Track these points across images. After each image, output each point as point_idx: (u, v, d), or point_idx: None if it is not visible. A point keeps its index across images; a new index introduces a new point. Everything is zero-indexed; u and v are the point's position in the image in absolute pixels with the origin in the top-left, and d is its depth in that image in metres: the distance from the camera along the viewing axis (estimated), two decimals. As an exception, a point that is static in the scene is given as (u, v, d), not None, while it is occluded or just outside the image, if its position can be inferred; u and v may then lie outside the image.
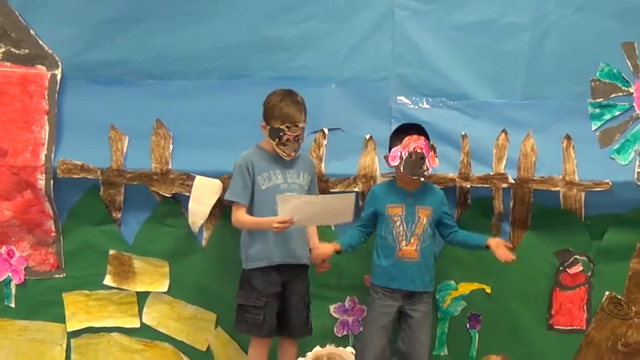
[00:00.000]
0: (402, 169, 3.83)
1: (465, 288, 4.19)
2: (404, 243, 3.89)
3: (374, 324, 3.93)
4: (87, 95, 4.15)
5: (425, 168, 3.83)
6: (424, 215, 3.92)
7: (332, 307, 4.19)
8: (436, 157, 3.91)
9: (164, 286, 4.19)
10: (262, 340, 3.82)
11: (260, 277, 3.78)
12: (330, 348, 3.08)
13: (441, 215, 3.96)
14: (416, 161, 3.81)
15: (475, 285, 4.19)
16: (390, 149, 3.91)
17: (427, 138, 3.91)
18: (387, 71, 4.15)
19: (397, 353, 3.98)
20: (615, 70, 4.13)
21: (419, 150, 3.81)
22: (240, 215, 3.80)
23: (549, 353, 4.19)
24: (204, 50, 4.12)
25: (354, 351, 3.07)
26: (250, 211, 3.81)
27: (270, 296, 3.78)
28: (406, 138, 3.83)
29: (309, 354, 3.06)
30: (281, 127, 3.74)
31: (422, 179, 3.91)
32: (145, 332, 4.21)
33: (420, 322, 3.93)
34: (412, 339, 3.94)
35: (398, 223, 3.90)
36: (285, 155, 3.79)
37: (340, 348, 3.11)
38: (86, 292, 4.20)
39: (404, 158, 3.81)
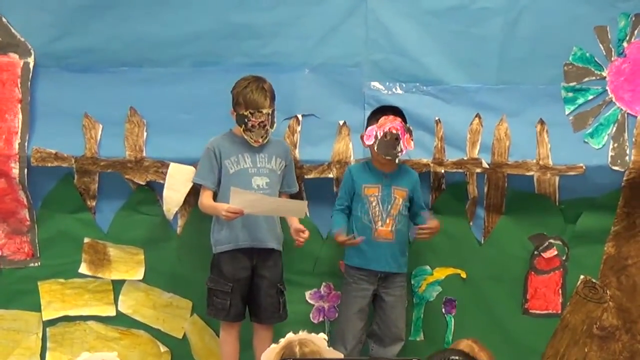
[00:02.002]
0: (376, 148, 3.84)
1: (441, 273, 4.20)
2: (379, 224, 3.90)
3: (351, 308, 3.94)
4: (60, 83, 4.12)
5: (399, 149, 3.84)
6: (400, 196, 3.93)
7: (307, 294, 4.19)
8: (412, 140, 3.92)
9: (139, 274, 4.18)
10: (231, 324, 3.84)
11: (229, 261, 3.79)
12: (302, 334, 3.09)
13: (413, 199, 3.96)
14: (390, 141, 3.82)
15: (451, 270, 4.19)
16: (366, 129, 3.92)
17: (405, 121, 3.93)
18: (360, 57, 4.14)
19: (373, 336, 3.99)
20: (588, 54, 4.14)
21: (394, 131, 3.82)
22: (203, 198, 3.84)
23: (525, 337, 4.20)
24: (176, 37, 4.10)
25: (326, 337, 3.08)
26: (218, 195, 3.81)
27: (238, 281, 3.78)
28: (382, 118, 3.86)
29: (282, 340, 3.07)
30: (245, 113, 3.76)
31: (397, 160, 3.92)
32: (121, 320, 4.20)
33: (395, 305, 3.95)
34: (387, 322, 3.95)
35: (374, 203, 3.91)
36: (252, 141, 3.80)
37: (313, 334, 3.12)
38: (61, 280, 4.18)
39: (379, 137, 3.83)
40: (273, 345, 3.12)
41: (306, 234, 3.83)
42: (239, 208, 3.64)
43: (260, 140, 3.82)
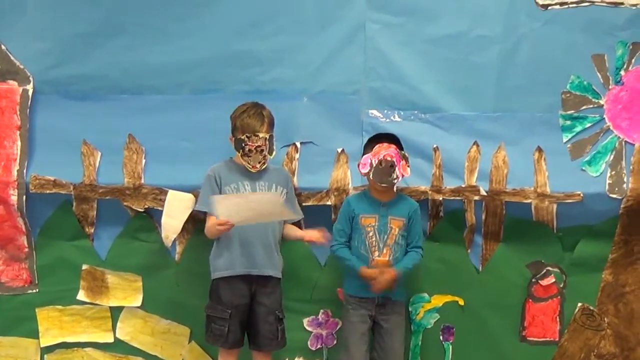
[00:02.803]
0: (371, 176, 3.85)
1: (438, 300, 4.20)
2: (376, 254, 3.91)
3: (353, 333, 3.94)
4: (59, 110, 4.14)
5: (395, 176, 3.85)
6: (396, 226, 3.93)
7: (305, 321, 4.19)
8: (408, 166, 3.93)
9: (137, 301, 4.18)
10: (229, 351, 3.84)
11: (227, 288, 3.80)
12: None
13: (409, 228, 3.97)
14: (385, 169, 3.83)
15: (448, 298, 4.19)
16: (362, 157, 3.94)
17: (401, 148, 3.94)
18: (359, 84, 4.16)
19: None
20: (585, 83, 4.15)
21: (388, 158, 3.83)
22: (208, 224, 3.84)
23: (523, 364, 4.21)
24: (175, 64, 4.12)
25: None
26: None
27: (236, 307, 3.79)
28: (377, 146, 3.87)
29: None
30: (242, 137, 3.79)
31: (395, 189, 3.92)
32: (119, 347, 4.20)
33: (393, 332, 3.95)
34: (385, 349, 3.95)
35: (371, 234, 3.91)
36: (250, 166, 3.82)
37: None
38: (60, 307, 4.19)
39: (374, 165, 3.84)
40: None
41: (319, 233, 3.84)
42: (225, 219, 3.64)
43: (258, 165, 3.83)
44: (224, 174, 3.87)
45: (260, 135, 3.79)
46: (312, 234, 3.87)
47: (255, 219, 3.72)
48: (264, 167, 3.85)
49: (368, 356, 3.96)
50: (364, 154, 3.96)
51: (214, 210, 3.66)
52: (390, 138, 3.97)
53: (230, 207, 3.64)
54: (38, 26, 4.12)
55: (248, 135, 3.79)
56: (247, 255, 3.80)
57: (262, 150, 3.81)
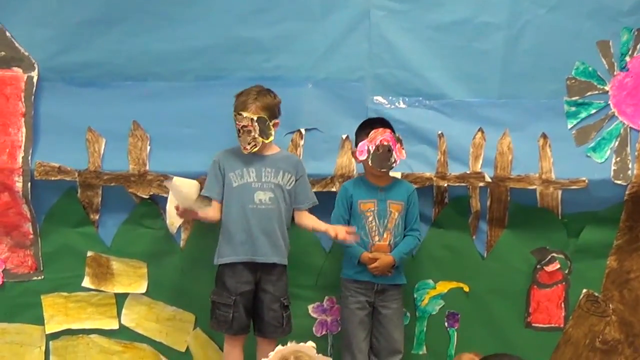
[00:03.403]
0: (370, 162, 3.85)
1: (443, 287, 4.21)
2: (377, 238, 3.91)
3: (352, 320, 3.94)
4: (63, 97, 4.13)
5: (393, 160, 3.85)
6: (395, 209, 3.93)
7: (310, 307, 4.20)
8: (403, 149, 3.93)
9: (142, 287, 4.18)
10: (234, 338, 3.84)
11: (231, 274, 3.81)
12: (292, 346, 3.09)
13: (407, 211, 3.97)
14: (384, 154, 3.83)
15: (453, 284, 4.20)
16: (356, 144, 3.93)
17: (393, 131, 3.93)
18: (364, 71, 4.16)
19: (371, 349, 3.99)
20: (590, 69, 4.15)
21: (385, 143, 3.83)
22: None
23: (528, 351, 4.15)
24: (179, 51, 4.11)
25: (314, 345, 3.09)
26: (223, 207, 3.85)
27: (240, 294, 3.79)
28: (372, 132, 3.86)
29: (271, 354, 3.06)
30: (233, 115, 3.80)
31: (398, 173, 3.93)
32: (124, 334, 4.21)
33: (392, 319, 3.96)
34: (384, 335, 3.96)
35: (370, 218, 3.91)
36: (242, 148, 3.81)
37: (302, 344, 3.12)
38: (65, 294, 4.19)
39: (372, 152, 3.83)
40: None
41: (347, 230, 3.78)
42: (176, 205, 3.72)
43: (248, 147, 3.80)
44: (229, 160, 3.87)
45: (245, 114, 3.76)
46: (339, 230, 3.78)
47: (183, 202, 3.75)
48: (254, 149, 3.81)
49: (368, 343, 3.97)
50: (357, 141, 3.94)
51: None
52: (382, 122, 3.96)
53: (174, 191, 3.73)
54: (42, 13, 4.10)
55: (235, 113, 3.80)
56: (251, 243, 3.80)
57: (249, 132, 3.77)
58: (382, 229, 3.90)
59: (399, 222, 3.93)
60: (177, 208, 3.75)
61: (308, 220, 3.93)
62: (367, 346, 3.96)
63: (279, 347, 3.03)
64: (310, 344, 3.07)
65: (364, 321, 3.94)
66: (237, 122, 3.79)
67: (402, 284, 4.01)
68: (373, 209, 3.91)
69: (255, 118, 3.77)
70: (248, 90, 3.85)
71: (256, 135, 3.79)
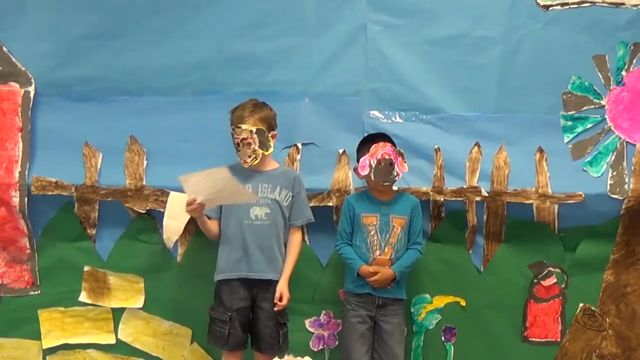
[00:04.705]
0: (372, 177, 3.85)
1: (440, 301, 4.20)
2: (378, 252, 3.91)
3: (353, 334, 3.93)
4: (60, 111, 4.13)
5: (395, 174, 3.85)
6: (398, 224, 3.93)
7: (307, 322, 4.19)
8: (405, 162, 3.93)
9: (139, 302, 4.19)
10: (231, 353, 3.84)
11: (228, 291, 3.81)
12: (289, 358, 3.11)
13: (410, 224, 3.97)
14: (385, 168, 3.83)
15: (450, 299, 4.20)
16: (358, 160, 3.93)
17: (394, 145, 3.94)
18: (360, 85, 4.15)
19: None
20: (586, 83, 4.15)
21: (387, 157, 3.83)
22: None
23: (525, 365, 4.21)
24: (176, 66, 4.12)
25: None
26: (221, 224, 3.86)
27: (236, 310, 3.79)
28: (373, 146, 3.86)
29: None
30: (231, 130, 3.80)
31: (395, 187, 3.92)
32: (121, 349, 4.21)
33: (393, 334, 3.94)
34: (385, 350, 3.95)
35: (372, 232, 3.91)
36: (241, 162, 3.81)
37: (299, 358, 3.13)
38: (61, 309, 4.19)
39: (373, 166, 3.83)
40: None
41: (284, 301, 3.79)
42: (192, 198, 3.64)
43: (249, 160, 3.80)
44: None
45: (244, 127, 3.76)
46: (284, 292, 3.79)
47: (220, 198, 3.71)
48: (255, 162, 3.81)
49: (369, 357, 3.96)
50: (359, 157, 3.95)
51: (186, 194, 3.66)
52: (383, 137, 3.97)
53: (195, 185, 3.63)
54: (39, 28, 4.11)
55: (233, 127, 3.79)
56: (247, 259, 3.80)
57: (249, 144, 3.78)
58: (384, 244, 3.90)
59: (402, 237, 3.92)
60: (190, 203, 3.66)
61: (291, 247, 3.90)
62: None
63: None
64: (307, 359, 3.09)
65: (365, 335, 3.93)
66: (235, 136, 3.79)
67: (403, 299, 4.01)
68: (375, 223, 3.91)
69: (254, 130, 3.77)
70: (243, 104, 3.85)
71: (256, 148, 3.79)
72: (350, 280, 3.97)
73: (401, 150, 3.95)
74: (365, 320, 3.93)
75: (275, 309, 3.79)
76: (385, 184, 3.88)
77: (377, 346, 3.97)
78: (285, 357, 3.19)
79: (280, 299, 3.79)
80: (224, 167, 3.65)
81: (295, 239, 3.92)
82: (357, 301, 3.94)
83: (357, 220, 3.94)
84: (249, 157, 3.80)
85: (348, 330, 3.97)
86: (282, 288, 3.81)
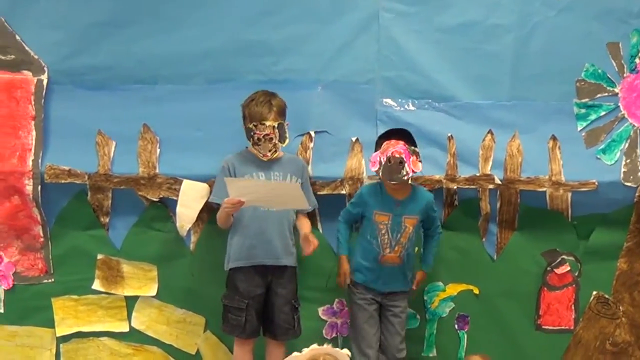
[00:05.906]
0: (380, 174, 3.83)
1: (453, 289, 4.21)
2: (387, 250, 3.90)
3: (361, 316, 3.95)
4: (73, 100, 4.14)
5: (404, 173, 3.79)
6: (410, 224, 3.90)
7: (320, 310, 4.20)
8: (419, 162, 3.85)
9: (152, 290, 4.19)
10: (245, 341, 3.86)
11: (243, 278, 3.82)
12: (326, 348, 3.13)
13: (427, 217, 3.96)
14: (394, 166, 3.79)
15: (463, 286, 4.20)
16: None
17: (413, 143, 3.90)
18: (373, 73, 4.15)
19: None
20: (600, 71, 4.14)
21: (397, 155, 3.78)
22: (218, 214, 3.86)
23: (538, 353, 4.21)
24: (189, 54, 4.11)
25: (349, 353, 3.12)
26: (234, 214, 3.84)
27: (253, 298, 3.80)
28: (385, 143, 3.84)
29: (305, 350, 3.08)
30: (250, 126, 3.79)
31: (410, 182, 3.90)
32: (134, 337, 4.22)
33: (400, 316, 3.97)
34: (391, 331, 3.96)
35: (383, 231, 3.89)
36: (261, 155, 3.83)
37: (337, 349, 3.16)
38: (75, 297, 4.20)
39: (382, 163, 3.81)
40: (296, 354, 3.14)
41: (313, 244, 3.80)
42: (237, 199, 3.64)
43: (269, 154, 3.83)
44: (238, 165, 3.88)
45: (267, 123, 3.78)
46: (305, 237, 3.82)
47: (268, 203, 3.74)
48: (275, 155, 3.85)
49: (378, 339, 3.96)
50: (376, 150, 3.94)
51: (229, 192, 3.65)
52: (402, 133, 3.93)
53: (245, 189, 3.65)
54: (52, 16, 4.11)
55: (255, 123, 3.79)
56: (263, 245, 3.81)
57: (271, 139, 3.80)
58: (394, 242, 3.89)
59: (412, 235, 3.91)
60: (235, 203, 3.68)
61: (302, 223, 3.94)
62: (377, 342, 3.95)
63: (314, 345, 3.07)
64: (346, 352, 3.11)
65: (374, 316, 3.95)
66: (257, 132, 3.78)
67: (407, 291, 4.02)
68: (387, 222, 3.88)
69: (276, 125, 3.79)
70: (257, 98, 3.83)
71: (276, 142, 3.82)
72: (359, 272, 3.96)
73: (416, 150, 3.88)
74: (373, 302, 3.95)
75: (306, 253, 3.79)
76: (393, 182, 3.82)
77: (384, 327, 3.98)
78: (312, 345, 3.20)
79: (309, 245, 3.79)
80: (279, 182, 3.78)
81: (303, 221, 3.95)
82: (364, 290, 3.96)
83: (369, 215, 3.92)
84: (269, 151, 3.82)
85: (357, 312, 3.97)
86: (308, 234, 3.82)
